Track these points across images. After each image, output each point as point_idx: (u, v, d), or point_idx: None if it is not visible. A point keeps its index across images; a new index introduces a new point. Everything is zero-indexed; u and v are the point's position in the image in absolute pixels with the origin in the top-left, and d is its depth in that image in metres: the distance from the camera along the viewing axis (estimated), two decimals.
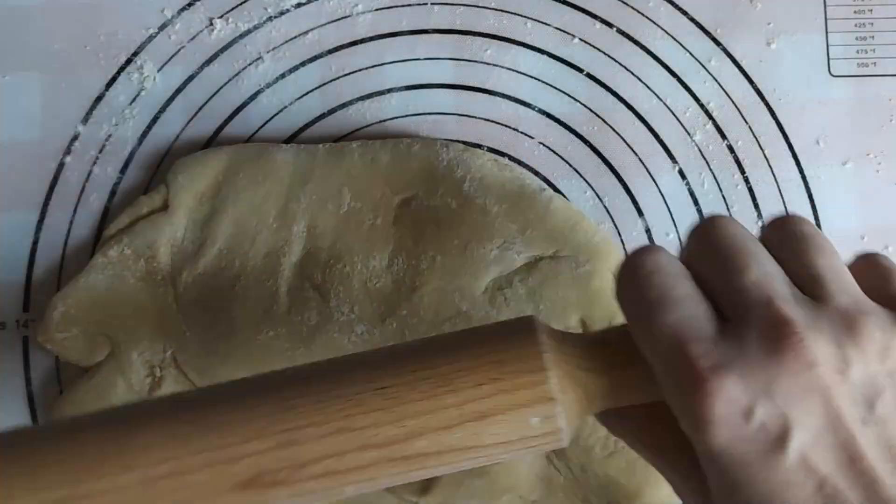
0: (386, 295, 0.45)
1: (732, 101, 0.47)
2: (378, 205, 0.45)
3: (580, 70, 0.47)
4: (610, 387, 0.31)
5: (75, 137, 0.46)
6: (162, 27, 0.47)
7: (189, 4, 0.47)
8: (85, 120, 0.46)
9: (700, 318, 0.29)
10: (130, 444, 0.30)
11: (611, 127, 0.47)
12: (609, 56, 0.47)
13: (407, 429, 0.30)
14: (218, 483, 0.29)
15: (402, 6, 0.47)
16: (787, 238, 0.31)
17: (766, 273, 0.29)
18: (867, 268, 0.31)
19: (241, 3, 0.47)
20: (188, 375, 0.44)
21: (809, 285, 0.30)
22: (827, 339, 0.28)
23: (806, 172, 0.47)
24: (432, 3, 0.47)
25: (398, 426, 0.30)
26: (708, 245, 0.31)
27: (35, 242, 0.46)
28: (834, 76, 0.47)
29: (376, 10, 0.47)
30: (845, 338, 0.28)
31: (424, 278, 0.44)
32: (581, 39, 0.47)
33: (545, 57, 0.47)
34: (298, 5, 0.47)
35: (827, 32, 0.47)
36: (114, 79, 0.46)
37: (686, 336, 0.28)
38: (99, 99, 0.46)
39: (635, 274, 0.30)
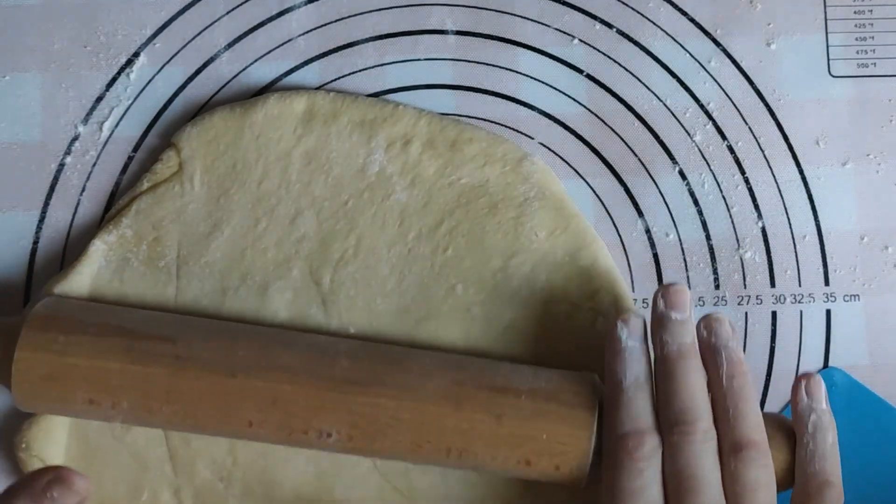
0: (388, 322, 0.44)
1: (732, 102, 0.47)
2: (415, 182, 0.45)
3: (580, 71, 0.47)
4: None
5: (76, 138, 0.46)
6: (162, 27, 0.47)
7: (190, 4, 0.47)
8: (85, 120, 0.46)
9: None
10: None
11: (611, 128, 0.47)
12: (609, 57, 0.47)
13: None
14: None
15: (402, 6, 0.47)
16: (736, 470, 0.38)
17: None
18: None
19: (242, 3, 0.47)
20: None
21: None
22: None
23: (806, 173, 0.47)
24: (432, 4, 0.47)
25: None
26: (674, 464, 0.38)
27: (35, 243, 0.46)
28: (834, 76, 0.47)
29: (376, 10, 0.47)
30: None
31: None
32: (581, 40, 0.47)
33: (545, 57, 0.47)
34: (300, 5, 0.47)
35: (827, 32, 0.47)
36: (114, 79, 0.46)
37: None
38: (99, 99, 0.46)
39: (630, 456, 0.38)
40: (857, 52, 0.47)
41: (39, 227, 0.46)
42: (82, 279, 0.44)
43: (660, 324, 0.40)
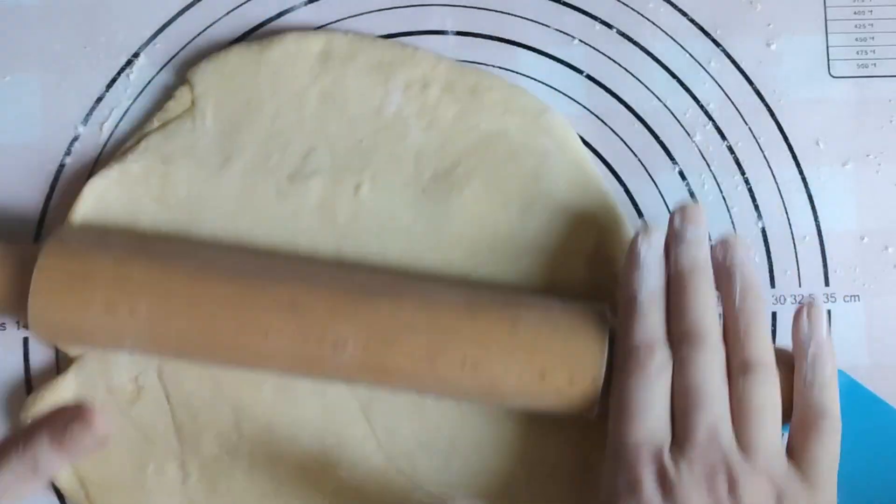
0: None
1: (732, 102, 0.47)
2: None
3: (580, 71, 0.47)
4: None
5: (76, 139, 0.46)
6: (162, 27, 0.47)
7: (190, 5, 0.47)
8: (85, 121, 0.46)
9: (660, 432, 0.38)
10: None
11: (610, 128, 0.47)
12: (609, 57, 0.47)
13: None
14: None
15: (402, 7, 0.47)
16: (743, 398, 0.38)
17: (717, 419, 0.37)
18: (805, 439, 0.38)
19: (242, 4, 0.47)
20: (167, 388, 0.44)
21: (743, 437, 0.38)
22: (733, 488, 0.36)
23: (806, 173, 0.47)
24: (432, 4, 0.47)
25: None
26: (684, 375, 0.38)
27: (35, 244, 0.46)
28: (834, 76, 0.47)
29: (376, 10, 0.47)
30: (748, 489, 0.36)
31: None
32: (581, 40, 0.47)
33: (545, 58, 0.47)
34: (299, 6, 0.47)
35: (827, 33, 0.47)
36: (114, 80, 0.47)
37: (645, 450, 0.37)
38: (99, 100, 0.46)
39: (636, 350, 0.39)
40: (857, 53, 0.47)
41: (39, 229, 0.46)
42: (75, 217, 0.44)
43: (675, 239, 0.41)
